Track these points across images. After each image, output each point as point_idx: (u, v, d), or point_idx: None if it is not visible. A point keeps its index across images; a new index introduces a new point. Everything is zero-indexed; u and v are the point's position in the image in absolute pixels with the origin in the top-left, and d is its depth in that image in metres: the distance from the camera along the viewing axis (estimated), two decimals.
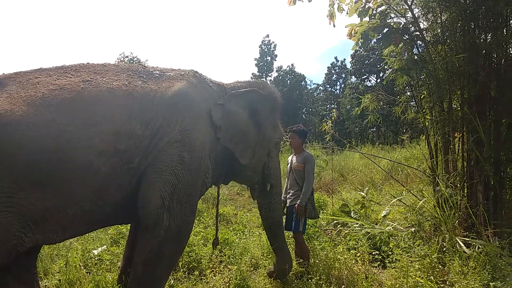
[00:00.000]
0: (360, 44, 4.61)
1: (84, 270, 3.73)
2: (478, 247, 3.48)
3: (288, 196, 4.11)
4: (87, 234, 5.00)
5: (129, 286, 2.68)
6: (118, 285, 3.17)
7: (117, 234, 4.97)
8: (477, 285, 2.93)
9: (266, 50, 40.23)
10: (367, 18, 4.43)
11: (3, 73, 2.48)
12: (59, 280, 3.55)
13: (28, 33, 78.36)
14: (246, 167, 3.27)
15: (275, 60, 40.15)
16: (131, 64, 3.10)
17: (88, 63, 2.75)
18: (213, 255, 4.15)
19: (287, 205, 4.08)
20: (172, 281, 3.54)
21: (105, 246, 4.59)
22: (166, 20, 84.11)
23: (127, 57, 34.34)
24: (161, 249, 2.60)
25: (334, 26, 4.51)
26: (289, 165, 4.20)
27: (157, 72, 2.91)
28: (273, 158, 3.59)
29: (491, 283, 2.92)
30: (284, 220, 3.97)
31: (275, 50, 40.30)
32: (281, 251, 3.62)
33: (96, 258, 4.13)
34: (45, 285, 3.52)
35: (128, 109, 2.52)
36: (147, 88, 2.69)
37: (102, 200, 2.45)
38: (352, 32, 4.54)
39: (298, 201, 3.87)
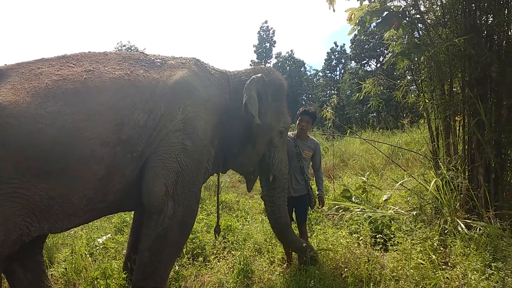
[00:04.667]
0: (356, 28, 4.54)
1: (89, 258, 3.77)
2: (480, 229, 3.52)
3: (292, 185, 3.77)
4: (92, 224, 5.05)
5: (135, 273, 2.72)
6: (124, 272, 3.21)
7: (121, 223, 5.02)
8: (478, 266, 2.97)
9: (264, 36, 39.95)
10: (366, 2, 4.38)
11: (5, 64, 2.49)
12: (65, 268, 3.60)
13: (24, 23, 77.64)
14: (240, 155, 3.23)
15: (274, 46, 39.94)
16: (132, 52, 3.09)
17: (89, 52, 2.74)
18: (217, 241, 4.19)
19: (293, 195, 3.75)
20: (177, 267, 3.58)
21: (109, 234, 4.63)
22: (163, 7, 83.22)
23: (124, 46, 34.14)
24: (166, 236, 2.65)
25: (334, 10, 4.45)
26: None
27: (158, 60, 2.90)
28: (278, 148, 3.38)
29: (492, 264, 2.96)
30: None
31: (273, 36, 40.05)
32: (296, 248, 3.57)
33: (101, 247, 4.18)
34: (52, 274, 3.56)
35: (130, 98, 2.53)
36: (149, 77, 2.69)
37: (106, 189, 2.49)
38: (352, 17, 4.48)
39: (319, 193, 3.92)
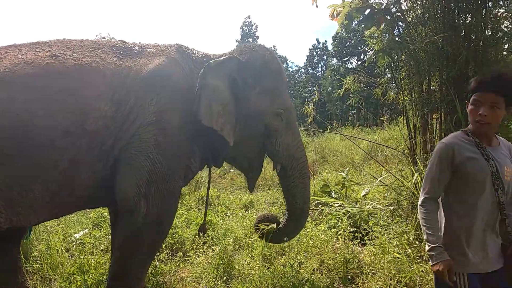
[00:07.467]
0: (344, 25, 4.57)
1: (66, 254, 3.70)
2: None
3: (480, 247, 1.83)
4: (68, 218, 4.96)
5: (109, 271, 2.62)
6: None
7: (99, 218, 4.93)
8: None
9: (247, 31, 39.86)
10: None
11: None
12: (41, 264, 3.52)
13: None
14: (229, 149, 2.83)
15: (257, 41, 39.85)
16: (110, 40, 2.96)
17: (64, 38, 2.61)
18: (196, 236, 4.17)
19: (487, 269, 1.83)
20: (156, 262, 3.55)
21: (86, 229, 4.55)
22: None
23: (104, 38, 33.43)
24: (140, 236, 2.49)
25: (316, 6, 4.47)
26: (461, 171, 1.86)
27: (136, 48, 2.71)
28: (280, 132, 2.93)
29: None
30: None
31: (256, 31, 39.99)
32: (296, 220, 3.12)
33: (78, 242, 4.10)
34: (27, 269, 3.48)
35: (96, 87, 2.36)
36: (121, 65, 2.51)
37: (73, 183, 2.35)
38: (335, 13, 4.51)
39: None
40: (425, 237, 1.85)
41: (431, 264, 1.80)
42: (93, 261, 3.39)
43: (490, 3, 4.10)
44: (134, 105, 2.44)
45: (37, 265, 3.53)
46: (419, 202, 1.94)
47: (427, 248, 1.82)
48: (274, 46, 39.24)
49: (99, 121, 2.34)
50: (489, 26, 4.07)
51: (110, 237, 4.15)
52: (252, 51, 2.94)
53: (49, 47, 2.45)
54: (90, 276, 3.14)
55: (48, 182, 2.27)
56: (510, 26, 4.08)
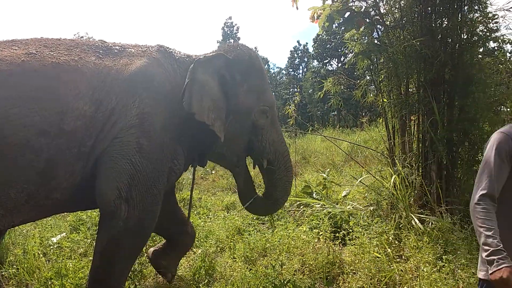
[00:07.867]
0: (326, 27, 4.61)
1: (43, 258, 3.61)
2: (432, 223, 3.69)
3: None
4: (45, 222, 4.83)
5: (89, 275, 2.57)
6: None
7: (77, 221, 4.82)
8: (430, 258, 3.11)
9: (229, 32, 39.82)
10: (329, 1, 4.46)
11: None
12: (17, 269, 3.42)
13: None
14: (218, 145, 2.83)
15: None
16: (89, 39, 2.90)
17: (41, 37, 2.53)
18: None
19: None
20: (136, 265, 3.50)
21: (64, 233, 4.45)
22: None
23: (82, 37, 32.81)
24: (120, 240, 2.44)
25: (297, 8, 4.51)
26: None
27: (116, 48, 2.65)
28: (265, 129, 2.96)
29: (443, 257, 3.11)
30: None
31: (238, 32, 39.99)
32: (268, 205, 3.21)
33: (55, 246, 4.01)
34: (2, 275, 3.38)
35: (73, 86, 2.29)
36: (100, 64, 2.44)
37: (50, 185, 2.28)
38: (315, 15, 4.55)
39: None
40: (482, 239, 1.58)
41: (491, 271, 1.52)
42: (71, 265, 3.33)
43: (466, 8, 4.22)
44: (116, 106, 2.38)
45: (13, 270, 3.42)
46: (474, 200, 1.67)
47: (485, 253, 1.55)
48: (255, 48, 39.28)
49: (78, 121, 2.27)
50: (465, 30, 4.19)
51: (88, 240, 4.13)
52: (237, 49, 2.96)
53: (25, 45, 2.37)
54: (68, 280, 3.07)
55: (23, 183, 2.19)
56: (485, 30, 4.20)
